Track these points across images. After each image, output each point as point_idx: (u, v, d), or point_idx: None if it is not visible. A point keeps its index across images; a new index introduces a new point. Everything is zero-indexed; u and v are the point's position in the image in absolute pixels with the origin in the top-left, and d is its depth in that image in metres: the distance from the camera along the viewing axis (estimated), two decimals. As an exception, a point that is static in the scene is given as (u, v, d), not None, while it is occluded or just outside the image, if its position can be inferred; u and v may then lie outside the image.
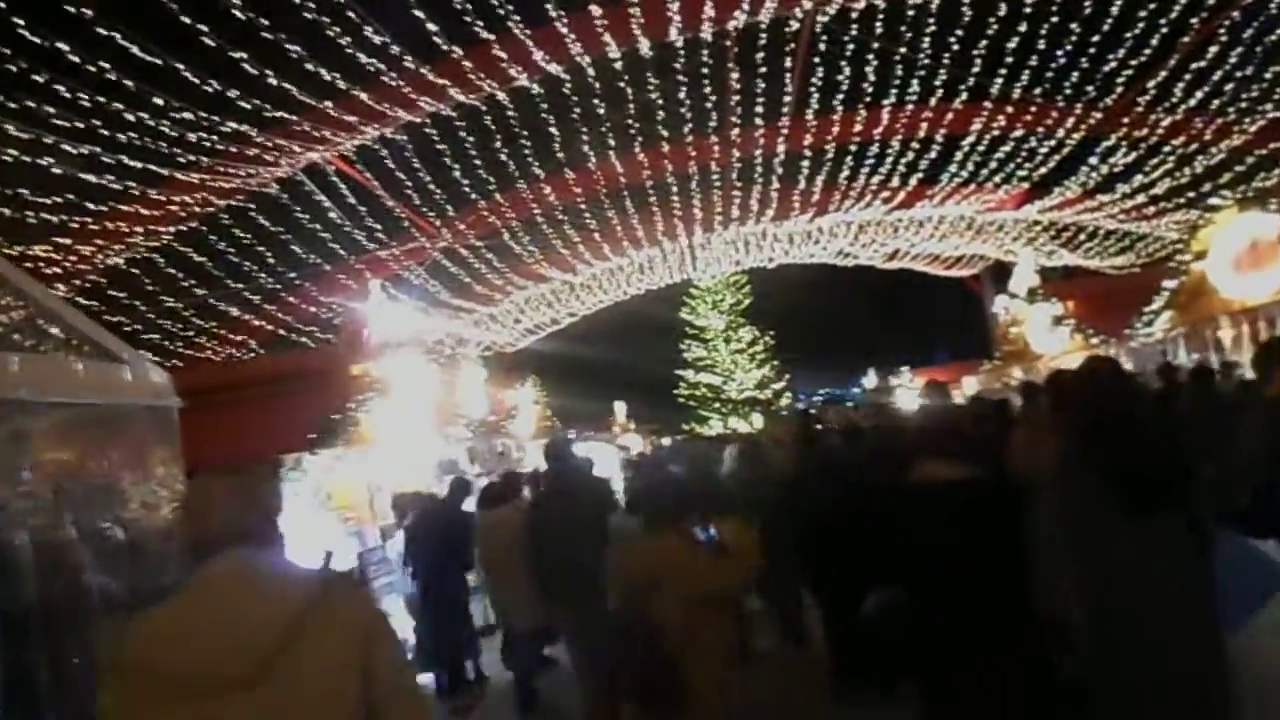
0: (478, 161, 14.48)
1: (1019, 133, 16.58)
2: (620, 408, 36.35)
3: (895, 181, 19.17)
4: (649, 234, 20.93)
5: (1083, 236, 22.38)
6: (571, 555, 5.26)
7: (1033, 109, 15.87)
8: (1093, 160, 16.99)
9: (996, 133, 16.57)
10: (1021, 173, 18.09)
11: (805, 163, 17.82)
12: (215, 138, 10.89)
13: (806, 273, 32.54)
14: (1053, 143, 16.76)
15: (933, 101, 15.74)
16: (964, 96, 15.48)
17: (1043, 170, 17.79)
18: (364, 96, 11.44)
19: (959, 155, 17.72)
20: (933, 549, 3.16)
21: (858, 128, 16.48)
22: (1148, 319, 14.34)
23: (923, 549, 3.20)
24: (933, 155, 17.62)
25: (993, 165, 17.95)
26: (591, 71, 12.72)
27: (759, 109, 15.58)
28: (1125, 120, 15.61)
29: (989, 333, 30.13)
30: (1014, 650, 3.02)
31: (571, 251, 20.38)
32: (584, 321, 31.17)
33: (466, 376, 18.95)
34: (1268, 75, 13.23)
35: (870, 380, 36.87)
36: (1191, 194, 16.63)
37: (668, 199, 18.41)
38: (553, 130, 14.35)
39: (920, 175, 18.89)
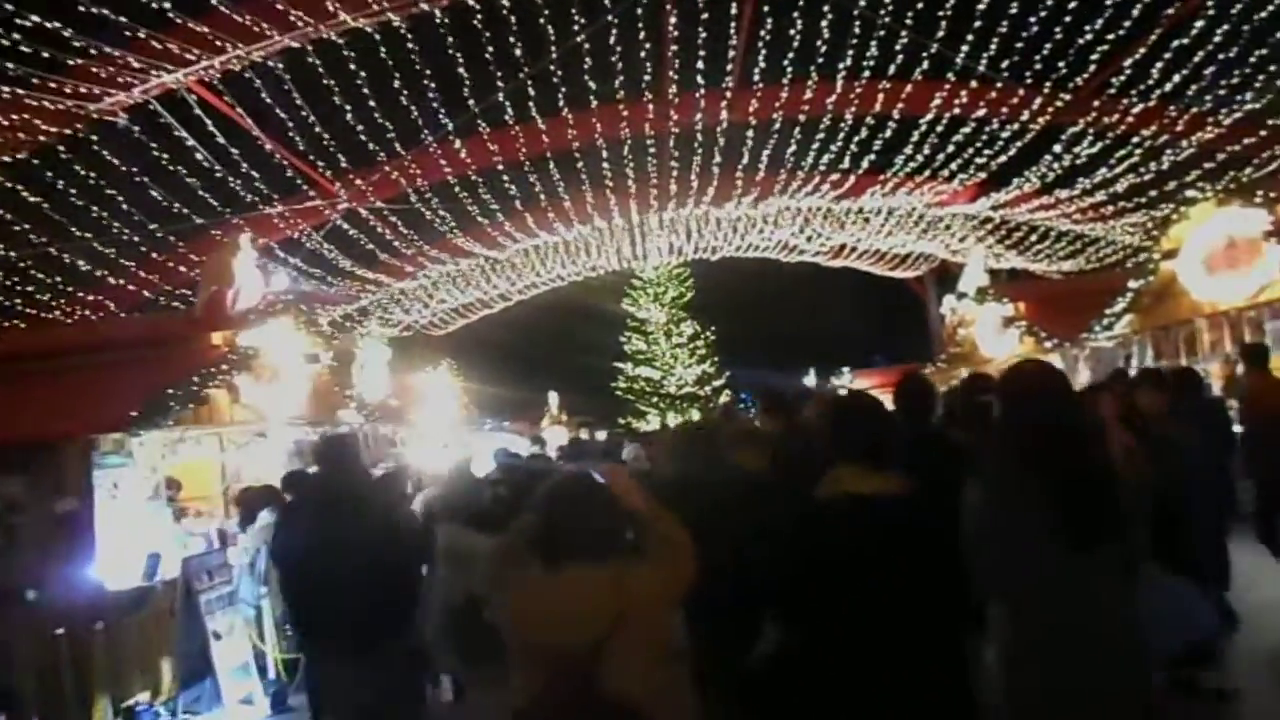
0: (373, 103, 12.65)
1: (979, 114, 15.25)
2: (554, 398, 35.01)
3: (845, 163, 17.77)
4: (579, 209, 19.24)
5: (1034, 238, 21.25)
6: (336, 603, 3.54)
7: (996, 88, 14.56)
8: (1055, 150, 15.70)
9: (955, 113, 15.23)
10: (979, 159, 16.76)
11: (750, 134, 16.33)
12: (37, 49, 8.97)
13: (750, 267, 31.45)
14: (1014, 128, 15.46)
15: (890, 71, 14.36)
16: (924, 68, 14.13)
17: (1001, 159, 16.48)
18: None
19: (913, 138, 16.36)
20: (838, 588, 2.60)
21: (807, 96, 15.01)
22: (1107, 321, 13.13)
23: (826, 588, 2.63)
24: (886, 135, 16.23)
25: (948, 150, 16.61)
26: (505, 2, 11.05)
27: (700, 66, 14.07)
28: (1094, 105, 14.35)
29: (931, 336, 30.02)
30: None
31: (491, 223, 18.58)
32: (521, 308, 29.77)
33: (368, 355, 17.14)
34: (1251, 59, 12.01)
35: (811, 380, 35.90)
36: (1154, 192, 15.50)
37: (598, 169, 16.74)
38: (463, 73, 12.61)
39: (871, 158, 17.50)
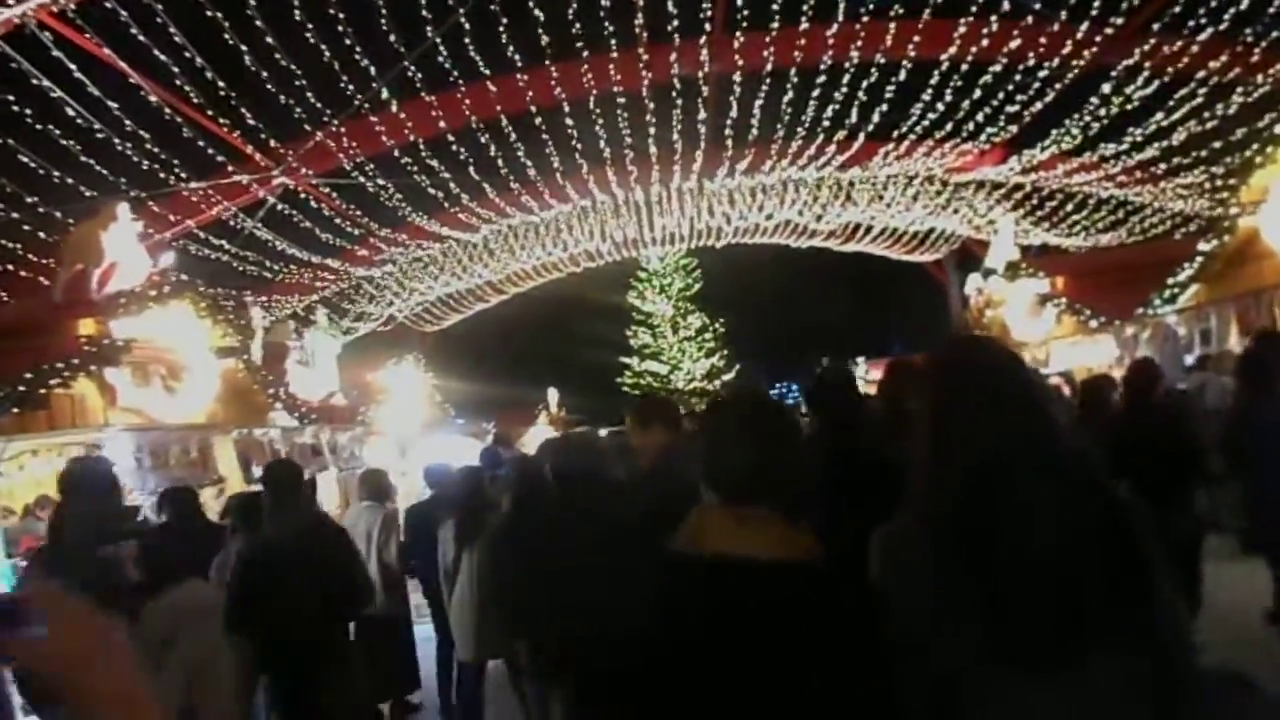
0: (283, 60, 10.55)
1: (1005, 55, 12.95)
2: (554, 396, 33.23)
3: (849, 120, 15.44)
4: (550, 184, 17.06)
5: (1070, 207, 18.82)
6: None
7: (1026, 22, 12.29)
8: (1097, 96, 13.31)
9: (976, 54, 12.95)
10: (1007, 111, 14.42)
11: (736, 88, 14.11)
12: None
13: (758, 256, 29.97)
14: (1048, 70, 13.14)
15: (898, 7, 12.15)
16: (938, 1, 11.91)
17: (1034, 108, 14.11)
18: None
19: (928, 87, 14.07)
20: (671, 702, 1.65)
21: (800, 40, 12.82)
22: (1171, 293, 10.86)
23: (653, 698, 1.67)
24: (896, 83, 13.93)
25: (970, 101, 14.31)
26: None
27: (674, 8, 11.93)
28: (1146, 38, 12.01)
29: (951, 322, 27.79)
30: None
31: (448, 198, 16.31)
32: (520, 302, 28.05)
33: (315, 349, 15.07)
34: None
35: (827, 369, 33.58)
36: (1217, 144, 13.13)
37: (562, 135, 14.52)
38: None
39: (880, 114, 15.16)
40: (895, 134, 16.12)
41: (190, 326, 10.55)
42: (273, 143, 13.46)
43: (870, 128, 15.78)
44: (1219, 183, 12.64)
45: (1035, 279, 14.53)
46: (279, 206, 14.76)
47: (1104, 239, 19.77)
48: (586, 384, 40.71)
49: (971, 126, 15.16)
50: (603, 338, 43.32)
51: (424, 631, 7.25)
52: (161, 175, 12.42)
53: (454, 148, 14.16)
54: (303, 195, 14.95)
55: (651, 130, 14.90)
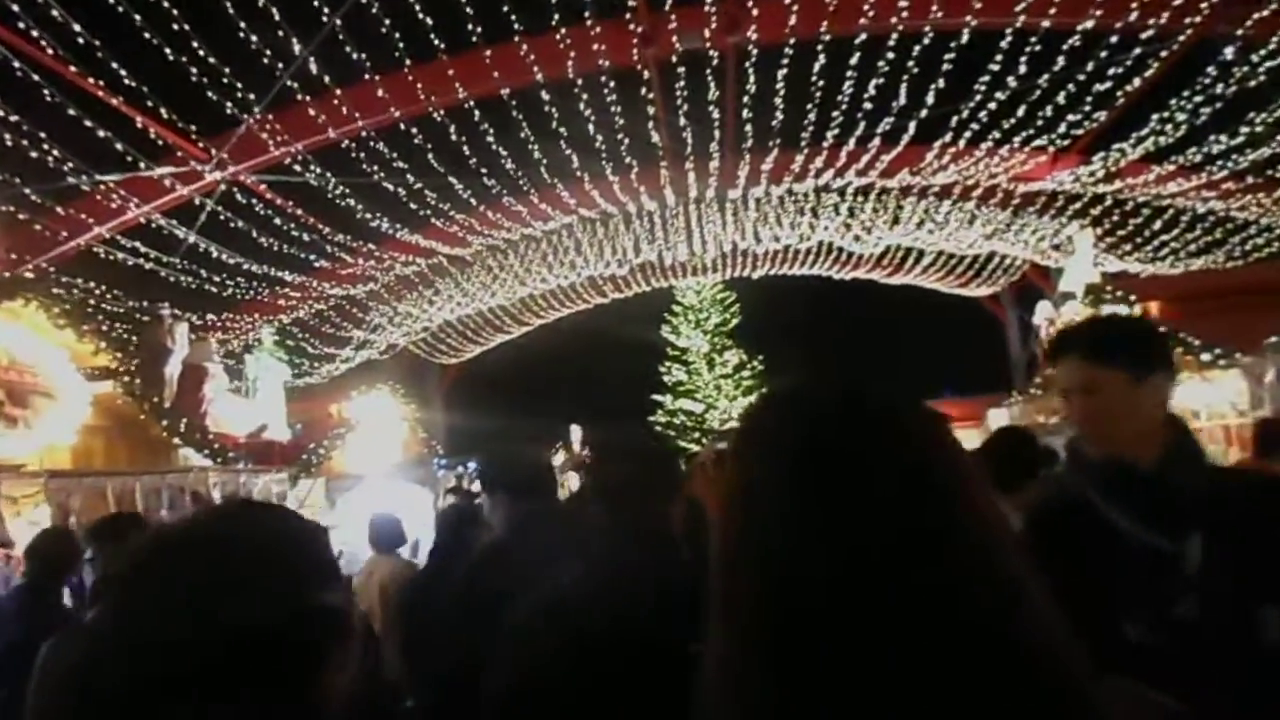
0: None
1: (1085, 28, 10.35)
2: (577, 432, 31.23)
3: (890, 116, 12.88)
4: (544, 193, 14.69)
5: (1158, 224, 15.95)
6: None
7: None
8: (1203, 78, 10.65)
9: (1050, 25, 10.37)
10: (1086, 102, 11.79)
11: (752, 66, 11.63)
12: None
13: (797, 288, 27.69)
14: (1139, 48, 10.52)
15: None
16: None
17: (1121, 95, 11.45)
18: None
19: (987, 72, 11.55)
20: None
21: (831, 6, 10.34)
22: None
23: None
24: (950, 65, 11.41)
25: (1039, 94, 11.72)
26: None
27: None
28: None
29: (1010, 363, 26.34)
30: None
31: (411, 196, 13.84)
32: (545, 334, 26.72)
33: (258, 373, 12.81)
34: None
35: None
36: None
37: (542, 123, 12.10)
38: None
39: (934, 98, 12.60)
40: (953, 127, 13.43)
41: (38, 336, 8.29)
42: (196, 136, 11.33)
43: (919, 120, 13.15)
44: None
45: (1122, 304, 11.75)
46: (219, 213, 12.55)
47: (1195, 264, 16.89)
48: (616, 420, 39.08)
49: (1039, 121, 12.49)
50: (634, 373, 41.09)
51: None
52: (60, 168, 10.31)
53: (416, 139, 11.86)
54: (249, 202, 12.73)
55: (649, 120, 12.42)
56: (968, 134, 14.05)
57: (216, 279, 13.26)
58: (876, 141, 13.95)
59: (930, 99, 12.56)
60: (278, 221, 12.98)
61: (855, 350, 42.10)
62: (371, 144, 11.70)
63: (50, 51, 8.81)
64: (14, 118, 9.27)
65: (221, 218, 12.41)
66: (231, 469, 9.85)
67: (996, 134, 14.05)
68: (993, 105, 12.78)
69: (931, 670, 0.84)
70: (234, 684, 1.06)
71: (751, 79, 11.79)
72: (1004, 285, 25.16)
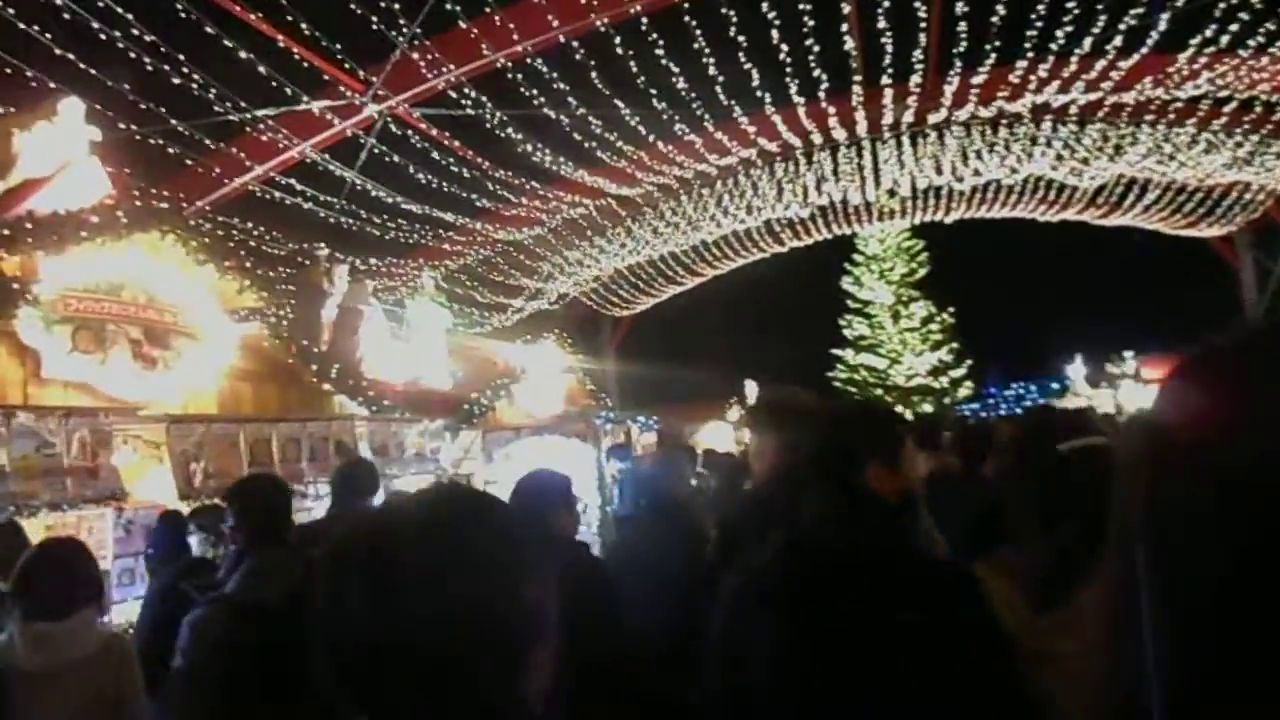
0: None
1: None
2: (753, 389, 30.13)
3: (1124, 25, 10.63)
4: (727, 126, 13.19)
5: None
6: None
7: None
8: None
9: None
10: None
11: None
12: None
13: (996, 234, 25.37)
14: None
15: None
16: None
17: None
18: None
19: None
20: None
21: None
22: None
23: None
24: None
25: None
26: None
27: None
28: None
29: (1244, 311, 23.32)
30: None
31: (576, 127, 12.66)
32: (719, 285, 25.63)
33: (416, 320, 12.22)
34: None
35: (1078, 369, 28.27)
36: None
37: (719, 25, 10.61)
38: None
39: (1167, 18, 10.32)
40: (1216, 19, 11.02)
41: (178, 275, 7.72)
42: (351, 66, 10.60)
43: (1173, 10, 10.82)
44: None
45: None
46: (377, 149, 11.89)
47: None
48: (793, 378, 37.62)
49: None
50: (813, 328, 39.83)
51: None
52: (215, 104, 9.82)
53: (579, 57, 10.67)
54: (407, 134, 12.00)
55: (844, 24, 10.68)
56: (1229, 34, 11.60)
57: (377, 220, 12.69)
58: (1118, 41, 11.63)
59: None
60: (436, 156, 12.20)
61: (1062, 301, 38.71)
62: (533, 66, 10.62)
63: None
64: (169, 50, 8.76)
65: (379, 154, 11.73)
66: (382, 418, 9.14)
67: (1264, 33, 11.54)
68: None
69: None
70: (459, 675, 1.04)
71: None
72: (1240, 224, 22.24)
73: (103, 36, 7.79)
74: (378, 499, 4.51)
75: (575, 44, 10.59)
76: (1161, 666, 0.66)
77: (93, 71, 7.82)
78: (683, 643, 2.23)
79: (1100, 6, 10.99)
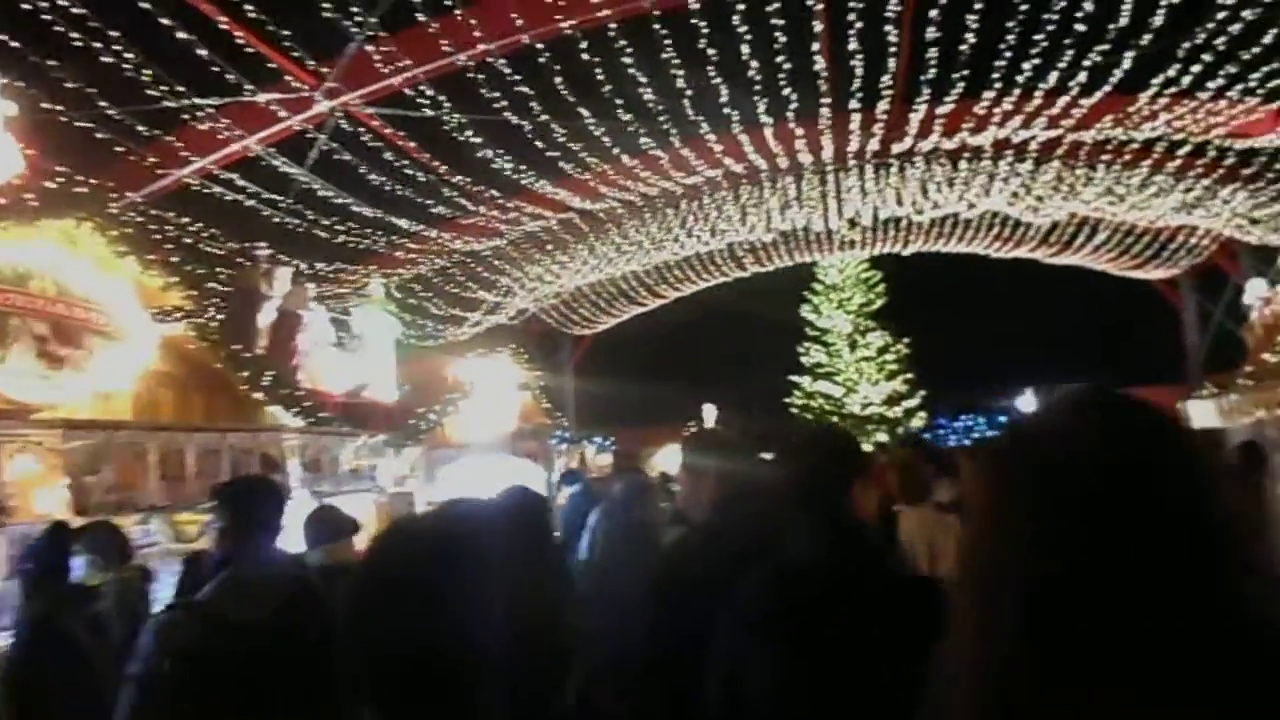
0: None
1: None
2: (711, 412, 30.05)
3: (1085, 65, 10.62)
4: (694, 143, 12.93)
5: None
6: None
7: None
8: None
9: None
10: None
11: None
12: None
13: (950, 267, 25.77)
14: None
15: None
16: None
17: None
18: None
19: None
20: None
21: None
22: None
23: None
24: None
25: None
26: None
27: None
28: None
29: (1186, 353, 24.39)
30: None
31: (541, 136, 12.29)
32: (681, 308, 25.65)
33: (365, 328, 11.69)
34: None
35: (1027, 402, 28.66)
36: None
37: (688, 38, 10.31)
38: None
39: (1157, 36, 10.36)
40: (1179, 59, 11.03)
41: (96, 268, 7.16)
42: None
43: (1138, 53, 10.83)
44: None
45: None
46: (329, 148, 11.39)
47: None
48: (750, 403, 37.62)
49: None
50: (772, 354, 39.93)
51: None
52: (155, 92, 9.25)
53: (543, 59, 10.32)
54: (360, 133, 11.53)
55: (814, 44, 10.46)
56: (1190, 75, 11.64)
57: (325, 222, 12.16)
58: (1082, 78, 11.62)
59: (1157, 20, 10.26)
60: (391, 158, 11.73)
61: (1013, 336, 39.34)
62: (495, 67, 10.23)
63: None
64: (100, 26, 8.22)
65: (330, 152, 11.23)
66: (315, 430, 8.62)
67: (1224, 75, 11.61)
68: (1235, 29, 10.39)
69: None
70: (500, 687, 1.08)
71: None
72: (1184, 268, 22.58)
73: (26, 6, 7.25)
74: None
75: (540, 46, 10.24)
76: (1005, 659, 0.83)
77: (14, 44, 7.28)
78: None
79: (1068, 41, 10.95)
